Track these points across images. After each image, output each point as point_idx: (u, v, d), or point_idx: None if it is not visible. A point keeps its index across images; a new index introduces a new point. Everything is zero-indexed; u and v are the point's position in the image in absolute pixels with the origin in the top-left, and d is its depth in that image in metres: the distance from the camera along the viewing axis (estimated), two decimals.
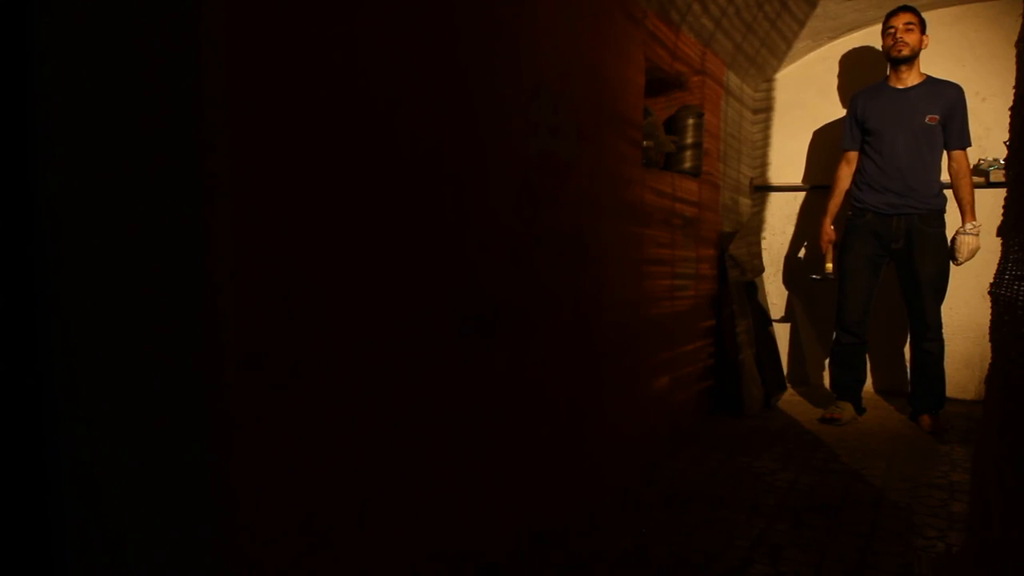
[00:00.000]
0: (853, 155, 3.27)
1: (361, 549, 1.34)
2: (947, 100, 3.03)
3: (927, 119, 3.03)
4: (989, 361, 1.59)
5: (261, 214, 1.11)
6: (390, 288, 1.39)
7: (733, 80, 3.67)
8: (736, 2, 3.04)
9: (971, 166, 3.09)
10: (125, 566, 1.12)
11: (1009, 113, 1.66)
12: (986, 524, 1.41)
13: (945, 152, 3.11)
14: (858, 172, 3.24)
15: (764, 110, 4.16)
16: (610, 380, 2.35)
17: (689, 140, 3.04)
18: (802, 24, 3.53)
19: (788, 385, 4.03)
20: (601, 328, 2.26)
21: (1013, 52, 1.62)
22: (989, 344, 1.61)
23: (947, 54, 3.65)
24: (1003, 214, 1.62)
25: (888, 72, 3.17)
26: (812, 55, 3.98)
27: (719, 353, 3.45)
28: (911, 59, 3.07)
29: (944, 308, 3.75)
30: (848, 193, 3.29)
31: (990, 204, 3.55)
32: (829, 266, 3.39)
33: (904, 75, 3.11)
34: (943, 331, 3.17)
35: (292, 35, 1.16)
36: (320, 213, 1.23)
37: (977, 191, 3.56)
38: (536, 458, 1.94)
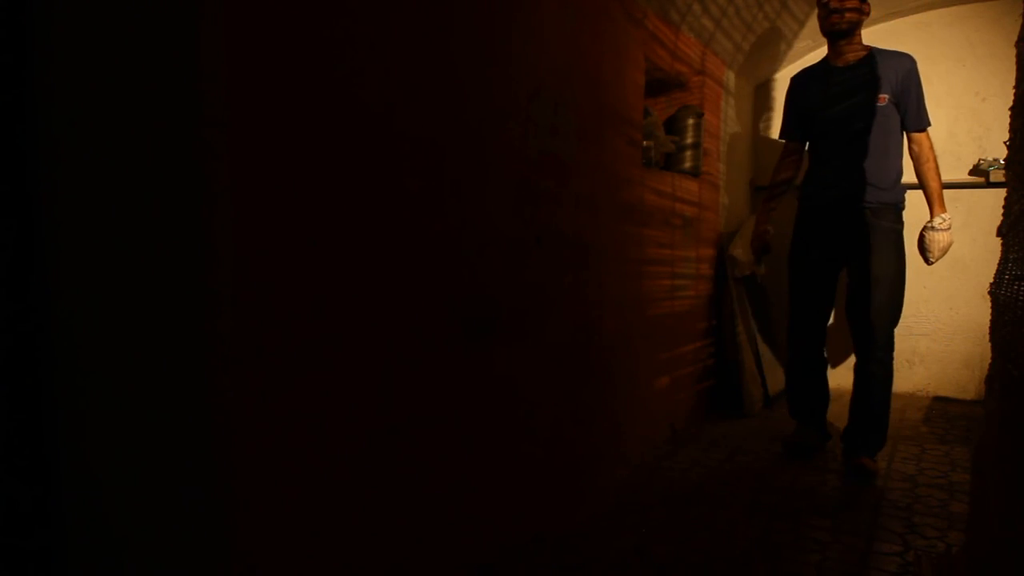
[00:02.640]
0: (793, 146, 2.85)
1: (360, 550, 1.34)
2: (897, 74, 2.54)
3: (876, 100, 2.55)
4: (989, 361, 1.59)
5: (261, 216, 1.11)
6: (389, 289, 1.39)
7: (733, 80, 3.67)
8: (736, 2, 3.04)
9: (933, 148, 2.61)
10: (125, 566, 1.12)
11: (1009, 113, 1.66)
12: (986, 524, 1.41)
13: (905, 136, 2.64)
14: (807, 165, 2.81)
15: (764, 110, 4.16)
16: (610, 380, 2.35)
17: (689, 140, 3.04)
18: (802, 24, 3.53)
19: None
20: (601, 328, 2.26)
21: (1013, 52, 1.62)
22: (989, 344, 1.61)
23: (947, 54, 3.65)
24: (1003, 214, 1.62)
25: (827, 50, 2.70)
26: (812, 55, 3.98)
27: (719, 353, 3.45)
28: (849, 32, 2.57)
29: (944, 308, 3.76)
30: (796, 189, 2.86)
31: (990, 204, 3.55)
32: (761, 268, 3.25)
33: (844, 50, 2.61)
34: (894, 354, 2.67)
35: (289, 38, 1.16)
36: (319, 214, 1.23)
37: (977, 191, 3.58)
38: (536, 458, 1.94)
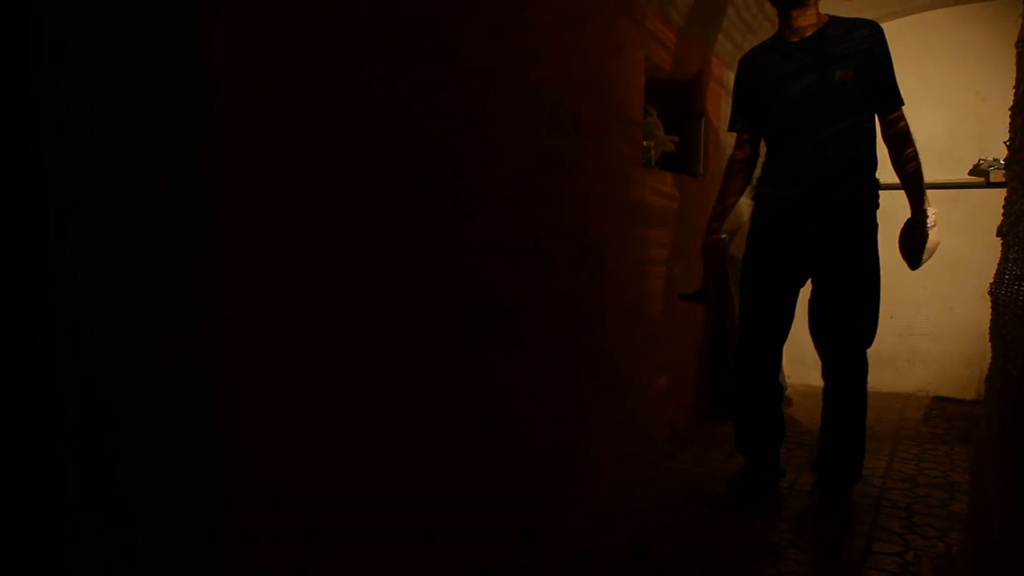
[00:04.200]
0: (743, 139, 2.40)
1: (359, 550, 1.35)
2: (860, 44, 2.12)
3: (836, 75, 2.12)
4: (989, 361, 1.60)
5: (266, 214, 1.11)
6: (392, 288, 1.39)
7: (733, 80, 3.67)
8: (736, 2, 3.04)
9: (908, 128, 2.18)
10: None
11: (1009, 113, 1.66)
12: (986, 524, 1.41)
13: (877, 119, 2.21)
14: (763, 159, 2.39)
15: None
16: (610, 379, 2.35)
17: (689, 140, 3.04)
18: None
19: (787, 384, 4.04)
20: (601, 327, 2.26)
21: (1013, 52, 1.63)
22: (989, 344, 1.61)
23: (947, 54, 3.65)
24: (1003, 214, 1.63)
25: (778, 22, 2.28)
26: None
27: (719, 353, 3.45)
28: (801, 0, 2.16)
29: (944, 308, 3.76)
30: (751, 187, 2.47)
31: (990, 204, 3.55)
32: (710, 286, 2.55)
33: (798, 21, 2.18)
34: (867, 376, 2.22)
35: (293, 32, 1.16)
36: (320, 214, 1.23)
37: (977, 191, 3.57)
38: (536, 457, 1.94)
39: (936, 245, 2.19)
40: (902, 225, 2.22)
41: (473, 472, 1.68)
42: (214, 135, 1.04)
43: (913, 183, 2.17)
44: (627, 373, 2.50)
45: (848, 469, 2.25)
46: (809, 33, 2.19)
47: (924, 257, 2.20)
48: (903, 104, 2.18)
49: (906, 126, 2.17)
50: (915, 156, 2.16)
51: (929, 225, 2.16)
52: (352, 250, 1.30)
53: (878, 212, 2.21)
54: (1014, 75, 1.66)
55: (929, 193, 2.29)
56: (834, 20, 2.19)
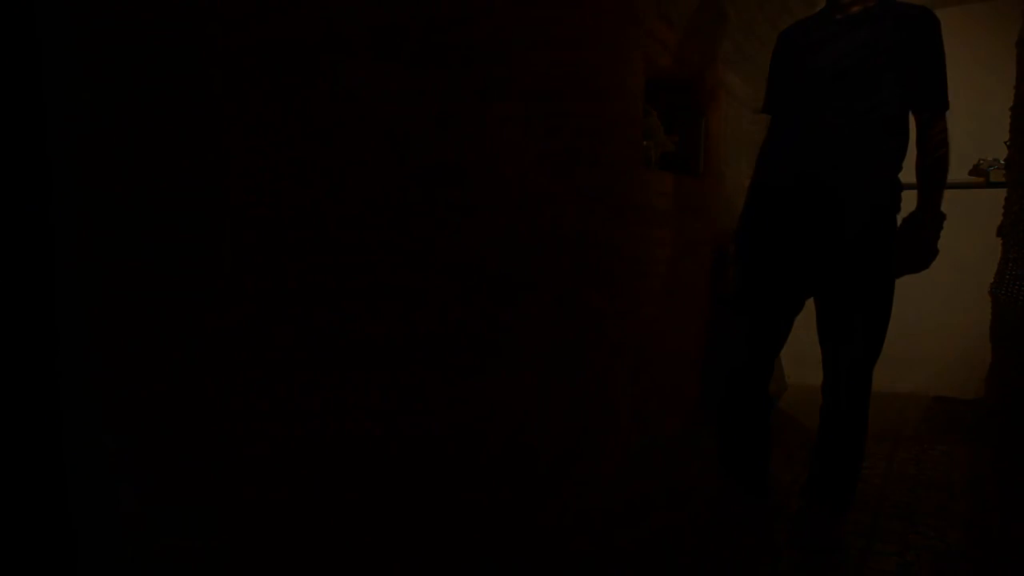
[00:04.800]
0: None
1: (356, 550, 1.35)
2: (910, 34, 1.93)
3: (874, 62, 1.92)
4: (989, 361, 1.59)
5: (266, 212, 1.12)
6: (389, 287, 1.39)
7: (733, 80, 3.67)
8: (736, 2, 3.04)
9: (947, 138, 1.94)
10: None
11: (1009, 113, 1.66)
12: (986, 524, 1.41)
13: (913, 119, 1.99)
14: (772, 143, 2.14)
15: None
16: (611, 379, 2.35)
17: (689, 140, 3.04)
18: None
19: (788, 384, 4.04)
20: (602, 327, 2.26)
21: (1013, 52, 1.62)
22: (989, 344, 1.61)
23: (947, 54, 3.64)
24: (1003, 214, 1.63)
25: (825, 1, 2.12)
26: None
27: (719, 353, 3.45)
28: None
29: (944, 308, 3.76)
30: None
31: (990, 204, 3.55)
32: None
33: None
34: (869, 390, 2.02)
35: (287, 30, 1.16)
36: (316, 214, 1.23)
37: (977, 191, 3.57)
38: (535, 456, 1.94)
39: (930, 248, 1.94)
40: (902, 223, 1.95)
41: (471, 469, 1.68)
42: (221, 133, 1.04)
43: (932, 175, 1.92)
44: (628, 372, 2.50)
45: (841, 495, 2.02)
46: (854, 12, 1.98)
47: (913, 269, 1.96)
48: (947, 108, 1.93)
49: (946, 136, 1.93)
50: (942, 162, 1.93)
51: (928, 223, 1.92)
52: (348, 254, 1.30)
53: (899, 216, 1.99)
54: (1014, 75, 1.66)
55: None
56: (888, 3, 1.98)
